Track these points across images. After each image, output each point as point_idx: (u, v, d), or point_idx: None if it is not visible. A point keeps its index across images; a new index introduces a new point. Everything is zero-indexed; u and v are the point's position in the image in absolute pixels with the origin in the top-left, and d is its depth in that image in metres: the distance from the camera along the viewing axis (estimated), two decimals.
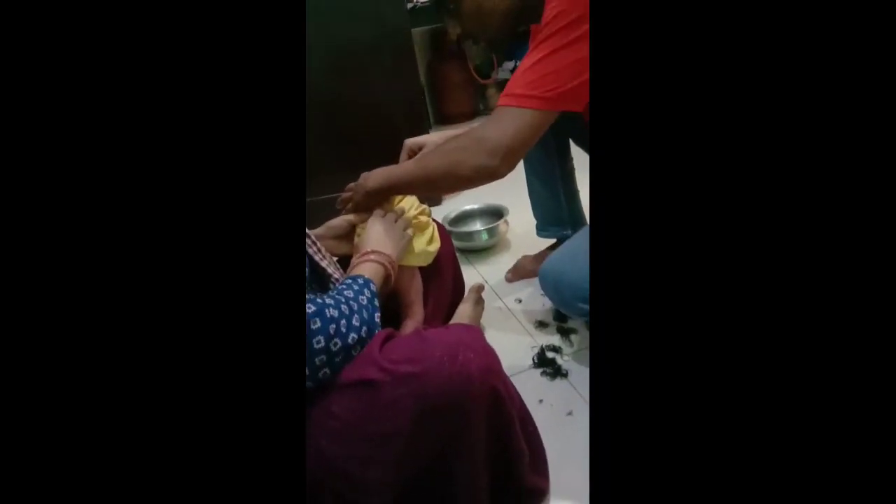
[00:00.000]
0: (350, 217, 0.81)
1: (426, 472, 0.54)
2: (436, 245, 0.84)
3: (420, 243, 0.81)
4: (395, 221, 0.76)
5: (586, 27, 0.61)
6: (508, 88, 0.68)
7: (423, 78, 2.27)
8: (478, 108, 2.68)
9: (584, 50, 0.62)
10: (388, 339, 0.56)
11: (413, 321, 0.81)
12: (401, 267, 0.77)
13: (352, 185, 0.82)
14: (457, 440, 0.53)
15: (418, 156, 0.81)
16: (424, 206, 0.85)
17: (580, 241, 0.85)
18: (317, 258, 0.69)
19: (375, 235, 0.73)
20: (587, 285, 0.76)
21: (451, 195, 1.71)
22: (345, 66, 1.42)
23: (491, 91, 2.65)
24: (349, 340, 0.54)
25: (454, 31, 0.86)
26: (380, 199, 0.79)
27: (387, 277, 0.69)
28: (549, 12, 0.65)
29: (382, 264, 0.69)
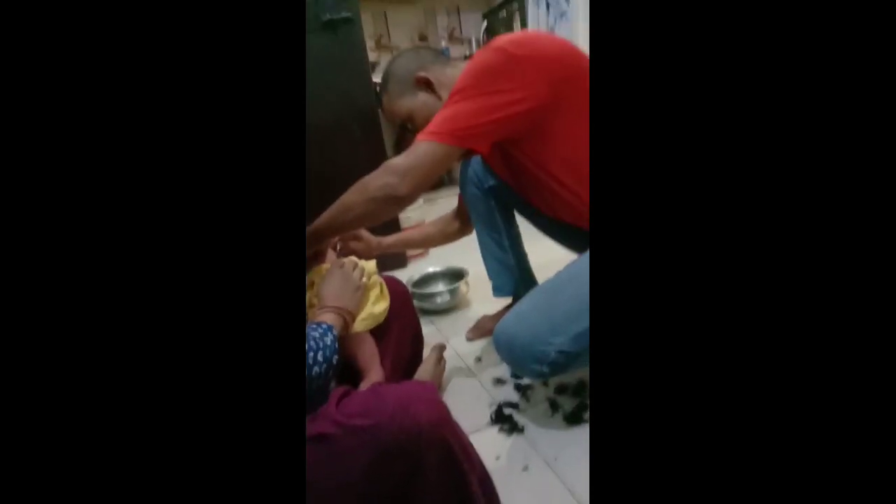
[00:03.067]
0: None
1: None
2: (383, 305, 0.87)
3: (366, 307, 0.84)
4: (353, 269, 0.81)
5: (481, 90, 0.73)
6: (422, 130, 0.77)
7: (390, 152, 2.41)
8: (442, 179, 2.83)
9: (479, 102, 0.73)
10: (344, 395, 0.58)
11: (372, 378, 0.83)
12: (348, 336, 0.79)
13: None
14: (409, 488, 0.53)
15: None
16: (371, 266, 0.89)
17: (528, 304, 0.89)
18: None
19: (332, 290, 0.77)
20: (538, 346, 0.80)
21: (416, 257, 1.77)
22: (314, 142, 1.51)
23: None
24: (312, 373, 0.59)
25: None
26: (315, 244, 0.84)
27: (345, 328, 0.74)
28: (454, 87, 0.77)
29: (342, 316, 0.74)
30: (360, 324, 0.82)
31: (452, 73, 0.90)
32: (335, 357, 0.64)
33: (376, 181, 0.75)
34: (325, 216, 0.81)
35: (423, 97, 0.91)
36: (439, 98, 0.90)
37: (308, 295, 0.83)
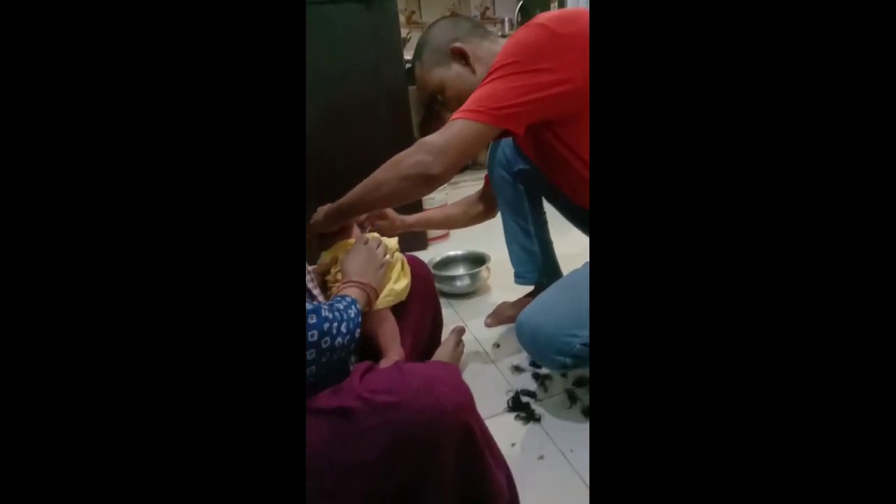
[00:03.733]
0: (319, 269, 0.85)
1: None
2: (404, 282, 0.86)
3: (387, 283, 0.83)
4: (377, 248, 0.81)
5: (520, 68, 0.71)
6: (458, 108, 0.75)
7: (415, 133, 2.39)
8: (466, 163, 2.80)
9: (519, 81, 0.70)
10: (367, 370, 0.58)
11: (392, 358, 0.83)
12: (369, 313, 0.79)
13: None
14: (427, 473, 0.53)
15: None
16: (392, 242, 0.88)
17: (554, 294, 0.88)
18: (310, 286, 0.73)
19: (356, 265, 0.77)
20: (562, 338, 0.79)
21: (437, 239, 1.76)
22: (341, 120, 1.50)
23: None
24: (336, 343, 0.58)
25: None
26: (342, 220, 0.84)
27: (368, 303, 0.74)
28: (493, 64, 0.74)
29: (365, 291, 0.74)
30: (382, 301, 0.81)
31: (490, 48, 0.87)
32: (358, 329, 0.64)
33: (409, 159, 0.73)
34: (356, 192, 0.80)
35: (456, 69, 0.88)
36: (473, 72, 0.87)
37: (333, 271, 0.84)
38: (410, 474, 0.53)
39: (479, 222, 1.22)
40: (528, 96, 0.70)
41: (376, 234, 0.87)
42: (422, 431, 0.50)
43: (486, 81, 0.73)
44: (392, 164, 0.76)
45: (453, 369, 0.57)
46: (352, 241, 0.87)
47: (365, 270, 0.77)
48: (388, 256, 0.82)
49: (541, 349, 0.84)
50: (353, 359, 0.73)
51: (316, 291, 0.73)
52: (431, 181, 0.73)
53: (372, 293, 0.75)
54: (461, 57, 0.87)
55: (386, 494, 0.53)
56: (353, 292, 0.72)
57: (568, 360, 0.80)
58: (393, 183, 0.74)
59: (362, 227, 1.03)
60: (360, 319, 0.66)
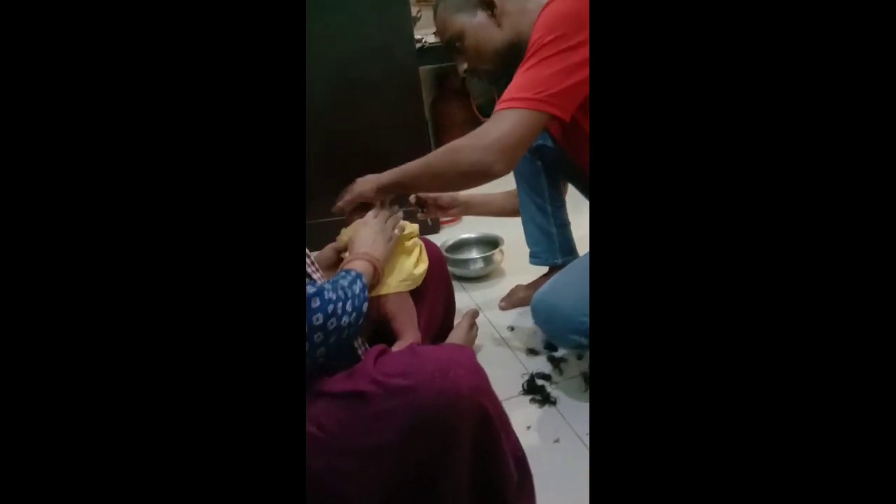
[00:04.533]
0: (335, 245, 0.85)
1: (408, 491, 0.54)
2: (422, 267, 0.86)
3: (406, 267, 0.83)
4: (387, 221, 0.80)
5: (564, 45, 0.68)
6: (504, 96, 0.73)
7: (426, 114, 2.35)
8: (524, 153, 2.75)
9: (565, 62, 0.68)
10: (381, 354, 0.57)
11: (407, 341, 0.83)
12: (387, 296, 0.79)
13: (346, 192, 0.87)
14: (443, 457, 0.53)
15: (427, 154, 0.84)
16: (414, 228, 0.87)
17: (571, 274, 0.87)
18: (310, 270, 0.71)
19: (363, 238, 0.76)
20: (579, 317, 0.78)
21: (449, 223, 1.74)
22: (352, 99, 1.48)
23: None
24: (343, 322, 0.57)
25: (461, 66, 0.91)
26: (389, 195, 0.84)
27: (374, 275, 0.73)
28: (533, 36, 0.71)
29: (372, 264, 0.73)
30: (401, 284, 0.81)
31: (521, 4, 0.83)
32: (365, 304, 0.63)
33: (470, 156, 0.72)
34: (409, 172, 0.79)
35: (481, 18, 0.84)
36: (498, 25, 0.83)
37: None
38: (428, 457, 0.52)
39: (510, 216, 1.19)
40: (573, 77, 0.68)
41: (400, 214, 0.85)
42: (438, 414, 0.50)
43: (530, 62, 0.71)
44: (451, 157, 0.75)
45: (468, 352, 0.56)
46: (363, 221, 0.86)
47: (372, 242, 0.76)
48: (396, 230, 0.81)
49: (557, 329, 0.83)
50: (361, 343, 0.71)
51: (317, 276, 0.71)
52: (491, 178, 0.73)
53: (378, 265, 0.74)
54: (488, 6, 0.83)
55: (403, 477, 0.53)
56: (358, 265, 0.71)
57: (584, 340, 0.79)
58: (451, 175, 0.75)
59: (420, 204, 1.04)
60: (366, 294, 0.65)
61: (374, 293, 0.78)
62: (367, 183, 0.85)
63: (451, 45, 0.89)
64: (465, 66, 0.90)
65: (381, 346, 0.59)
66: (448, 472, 0.54)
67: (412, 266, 0.83)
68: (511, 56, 0.83)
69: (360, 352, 0.69)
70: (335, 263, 0.83)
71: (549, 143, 1.05)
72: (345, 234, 0.84)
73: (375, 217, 0.80)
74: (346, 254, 0.82)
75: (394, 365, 0.53)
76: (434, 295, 0.93)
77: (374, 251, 0.74)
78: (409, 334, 0.82)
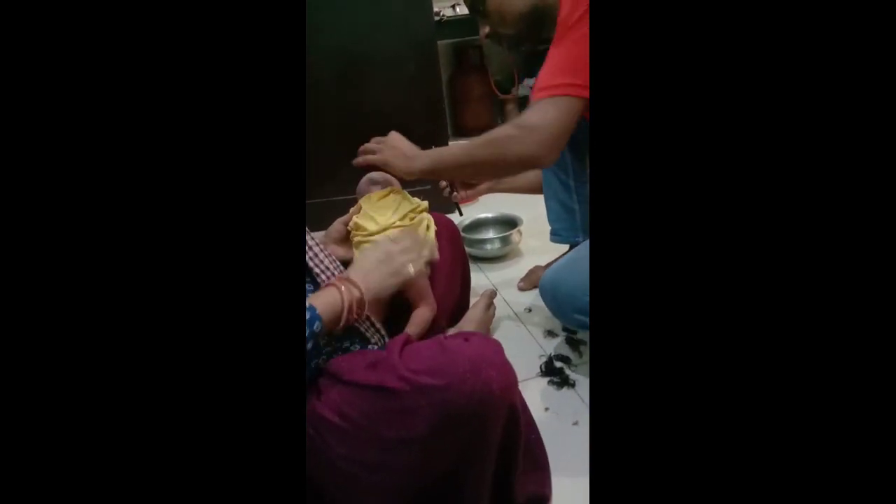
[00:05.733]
0: (344, 219, 0.81)
1: (434, 483, 0.54)
2: (430, 236, 0.79)
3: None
4: (401, 248, 0.65)
5: (587, 20, 0.65)
6: (543, 81, 0.70)
7: (444, 89, 2.31)
8: (496, 122, 2.71)
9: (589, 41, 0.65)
10: (405, 344, 0.55)
11: (424, 311, 0.82)
12: None
13: (377, 141, 0.83)
14: (471, 454, 0.53)
15: (466, 143, 0.80)
16: (423, 204, 0.83)
17: (581, 252, 0.85)
18: (311, 243, 0.68)
19: (364, 263, 0.63)
20: (583, 297, 0.76)
21: (466, 202, 1.72)
22: (368, 74, 1.45)
23: (510, 106, 2.67)
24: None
25: (483, 30, 0.89)
26: (425, 178, 0.83)
27: (346, 312, 0.57)
28: (563, 10, 0.68)
29: (342, 298, 0.57)
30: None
31: None
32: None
33: (518, 148, 0.70)
34: (448, 163, 0.78)
35: None
36: None
37: (354, 220, 0.80)
38: (455, 453, 0.52)
39: (536, 192, 1.16)
40: None
41: (424, 206, 0.81)
42: (470, 414, 0.49)
43: (563, 41, 0.68)
44: (496, 149, 0.73)
45: (498, 348, 0.54)
46: (384, 193, 0.83)
47: (369, 272, 0.61)
48: (409, 268, 0.64)
49: (560, 306, 0.82)
50: (371, 324, 0.68)
51: (322, 256, 0.67)
52: (541, 167, 0.75)
53: (354, 304, 0.57)
54: None
55: (432, 472, 0.52)
56: (327, 296, 0.56)
57: (587, 319, 0.78)
58: (498, 167, 0.76)
59: (453, 188, 1.02)
60: (313, 343, 0.54)
61: None
62: (397, 160, 0.79)
63: (474, 7, 0.87)
64: (486, 30, 0.87)
65: (404, 336, 0.58)
66: (475, 466, 0.54)
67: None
68: (533, 20, 0.81)
69: (367, 333, 0.66)
70: (345, 236, 0.81)
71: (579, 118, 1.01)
72: (358, 209, 0.82)
73: (389, 243, 0.66)
74: (350, 224, 0.78)
75: (421, 360, 0.51)
76: (450, 269, 0.91)
77: (361, 282, 0.59)
78: (424, 304, 0.81)
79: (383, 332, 0.69)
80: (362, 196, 0.85)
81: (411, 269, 0.64)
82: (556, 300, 0.82)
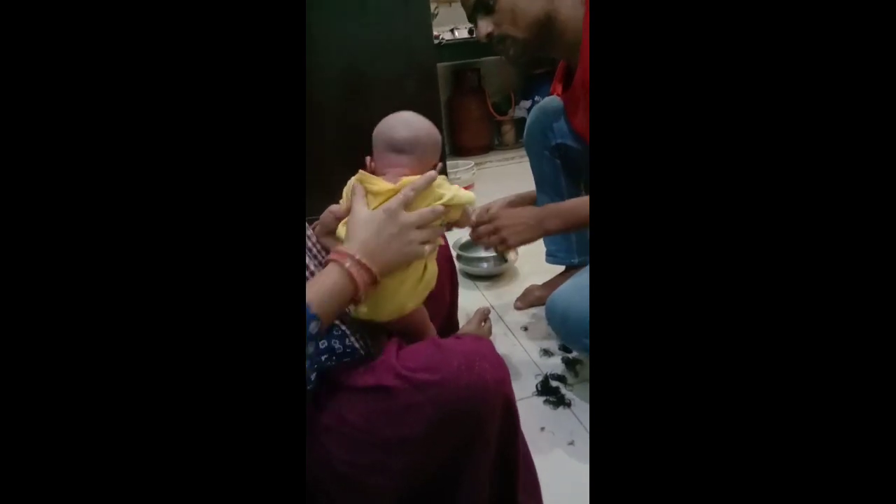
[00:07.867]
0: (335, 208, 0.64)
1: (432, 483, 0.54)
2: (431, 269, 0.66)
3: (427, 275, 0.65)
4: (417, 223, 0.55)
5: None
6: None
7: (442, 110, 2.35)
8: (493, 142, 2.75)
9: None
10: (401, 346, 0.56)
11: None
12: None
13: (485, 218, 0.78)
14: (469, 450, 0.53)
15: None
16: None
17: (587, 277, 0.85)
18: (310, 244, 0.64)
19: (369, 235, 0.51)
20: None
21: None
22: (370, 94, 1.48)
23: (506, 127, 2.72)
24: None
25: (486, 28, 0.83)
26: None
27: (353, 293, 0.49)
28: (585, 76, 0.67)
29: (349, 274, 0.48)
30: (422, 293, 0.66)
31: (574, 14, 0.79)
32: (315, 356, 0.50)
33: None
34: (583, 216, 0.77)
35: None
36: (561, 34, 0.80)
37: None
38: (454, 449, 0.52)
39: None
40: None
41: (444, 178, 0.60)
42: (466, 407, 0.49)
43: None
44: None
45: (488, 343, 0.55)
46: (410, 179, 0.59)
47: (379, 249, 0.51)
48: (427, 246, 0.54)
49: (570, 331, 0.82)
50: (359, 338, 0.63)
51: (319, 258, 0.64)
52: None
53: (368, 277, 0.49)
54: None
55: (428, 468, 0.52)
56: (329, 278, 0.48)
57: None
58: None
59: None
60: (315, 345, 0.48)
61: (388, 317, 0.59)
62: (523, 235, 0.78)
63: (483, 2, 0.82)
64: (489, 28, 0.83)
65: (397, 339, 0.58)
66: (473, 461, 0.54)
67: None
68: (544, 31, 0.80)
69: (357, 345, 0.59)
70: (334, 230, 0.64)
71: (571, 142, 1.03)
72: (346, 197, 0.64)
73: (396, 206, 0.53)
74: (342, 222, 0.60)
75: (417, 358, 0.52)
76: (439, 288, 0.90)
77: (374, 261, 0.49)
78: (424, 334, 0.81)
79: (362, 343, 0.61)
80: (325, 226, 0.65)
81: (426, 249, 0.54)
82: (565, 325, 0.82)
